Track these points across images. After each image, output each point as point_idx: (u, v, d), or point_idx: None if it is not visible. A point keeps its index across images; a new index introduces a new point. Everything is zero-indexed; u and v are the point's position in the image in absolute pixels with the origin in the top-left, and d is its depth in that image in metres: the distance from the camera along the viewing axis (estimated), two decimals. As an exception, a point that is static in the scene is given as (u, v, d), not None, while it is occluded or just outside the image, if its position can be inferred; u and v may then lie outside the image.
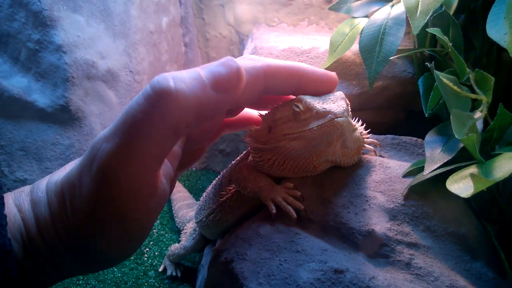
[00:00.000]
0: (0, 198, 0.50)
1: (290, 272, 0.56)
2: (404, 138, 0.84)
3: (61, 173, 0.56)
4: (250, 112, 0.75)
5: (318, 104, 0.65)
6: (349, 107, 0.69)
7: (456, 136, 0.60)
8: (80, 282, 0.91)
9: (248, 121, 0.74)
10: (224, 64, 0.52)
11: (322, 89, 0.66)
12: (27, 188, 0.57)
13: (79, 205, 0.50)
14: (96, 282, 0.91)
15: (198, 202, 0.88)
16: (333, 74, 0.68)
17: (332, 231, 0.63)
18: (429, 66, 0.72)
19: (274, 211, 0.64)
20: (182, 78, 0.49)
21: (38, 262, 0.52)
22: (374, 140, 0.79)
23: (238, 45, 1.36)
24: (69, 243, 0.52)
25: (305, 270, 0.56)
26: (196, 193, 1.30)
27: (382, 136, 0.85)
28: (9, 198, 0.54)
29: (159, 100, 0.47)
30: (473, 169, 0.60)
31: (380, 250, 0.60)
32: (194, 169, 1.53)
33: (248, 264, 0.59)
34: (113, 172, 0.47)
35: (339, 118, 0.62)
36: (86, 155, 0.51)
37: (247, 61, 0.58)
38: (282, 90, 0.64)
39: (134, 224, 0.52)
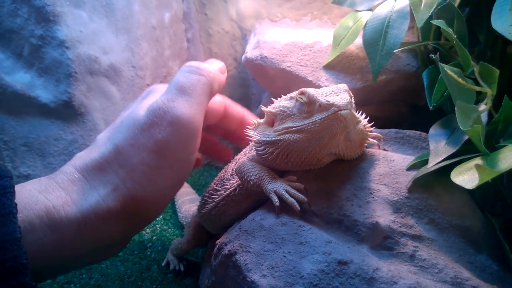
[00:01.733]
0: (10, 187, 0.51)
1: (293, 263, 0.56)
2: (408, 132, 0.84)
3: (88, 155, 0.64)
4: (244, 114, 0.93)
5: (321, 96, 0.65)
6: (353, 100, 0.69)
7: (461, 127, 0.60)
8: (84, 276, 0.91)
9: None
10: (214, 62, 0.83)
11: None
12: (60, 173, 0.62)
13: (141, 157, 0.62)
14: (100, 276, 0.91)
15: (201, 197, 0.88)
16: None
17: (336, 224, 0.63)
18: (433, 57, 0.71)
19: (278, 203, 0.64)
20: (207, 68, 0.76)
21: (67, 232, 0.55)
22: (378, 134, 0.79)
23: (241, 40, 1.36)
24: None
25: (309, 261, 0.56)
26: (198, 189, 1.30)
27: (386, 130, 0.85)
28: (26, 186, 0.57)
29: (203, 72, 0.73)
30: (478, 161, 0.59)
31: (384, 242, 0.60)
32: (196, 165, 1.52)
33: (252, 256, 0.59)
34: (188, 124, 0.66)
35: (342, 111, 0.62)
36: (147, 115, 0.65)
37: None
38: (230, 123, 0.89)
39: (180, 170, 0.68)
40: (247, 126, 0.75)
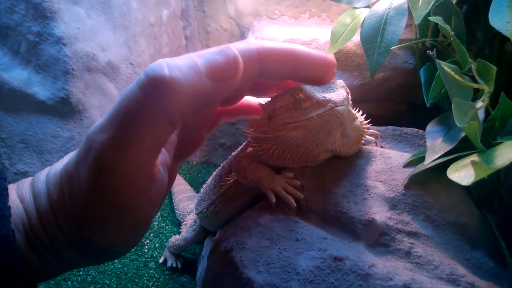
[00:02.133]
0: (4, 189, 0.50)
1: (289, 260, 0.56)
2: (405, 129, 0.84)
3: (59, 165, 0.55)
4: (248, 99, 0.73)
5: (318, 93, 0.64)
6: (350, 96, 0.68)
7: (457, 124, 0.60)
8: (81, 273, 0.91)
9: (247, 108, 0.73)
10: (221, 52, 0.51)
11: (319, 72, 0.64)
12: (28, 180, 0.57)
13: (78, 196, 0.49)
14: (97, 273, 0.91)
15: (198, 194, 0.88)
16: (331, 57, 0.65)
17: (332, 221, 0.63)
18: (430, 54, 0.71)
19: (274, 200, 0.64)
20: (177, 66, 0.47)
21: (41, 252, 0.52)
22: (375, 131, 0.79)
23: (239, 38, 1.36)
24: (71, 234, 0.52)
25: (304, 258, 0.56)
26: (196, 186, 1.30)
27: (383, 127, 0.84)
28: (12, 189, 0.54)
29: (154, 88, 0.45)
30: (474, 158, 0.59)
31: (380, 239, 0.60)
32: (195, 163, 1.53)
33: (248, 252, 0.59)
34: (109, 162, 0.46)
35: (339, 107, 0.62)
36: (82, 146, 0.50)
37: (242, 44, 0.56)
38: (277, 73, 0.61)
39: (134, 213, 0.51)
40: (244, 123, 0.74)
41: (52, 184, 0.53)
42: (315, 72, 0.64)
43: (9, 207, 0.48)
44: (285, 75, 0.62)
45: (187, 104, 0.48)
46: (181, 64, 0.48)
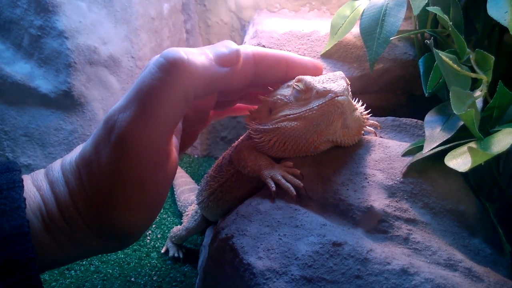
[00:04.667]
0: (20, 181, 0.52)
1: (289, 245, 0.57)
2: (404, 119, 0.84)
3: (73, 154, 0.58)
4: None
5: (318, 83, 0.65)
6: (349, 87, 0.69)
7: (455, 111, 0.60)
8: (84, 262, 0.93)
9: (235, 108, 0.81)
10: (225, 45, 0.61)
11: (309, 74, 0.69)
12: (42, 171, 0.59)
13: (98, 178, 0.53)
14: (100, 263, 0.93)
15: (199, 185, 0.89)
16: (319, 62, 0.73)
17: (331, 208, 0.64)
18: (428, 43, 0.72)
19: (274, 189, 0.65)
20: (191, 52, 0.55)
21: (58, 238, 0.54)
22: (375, 122, 0.80)
23: (240, 32, 1.36)
24: (89, 218, 0.54)
25: (304, 243, 0.56)
26: (198, 179, 1.31)
27: (383, 118, 0.85)
28: (28, 179, 0.56)
29: (173, 68, 0.52)
30: (471, 145, 0.60)
31: (378, 225, 0.61)
32: (196, 156, 1.53)
33: (248, 239, 0.60)
34: (133, 138, 0.51)
35: (339, 97, 0.63)
36: (101, 129, 0.53)
37: (239, 47, 0.64)
38: (271, 76, 0.69)
39: (152, 191, 0.55)
40: (244, 115, 0.75)
41: (69, 171, 0.56)
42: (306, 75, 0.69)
43: (24, 199, 0.50)
44: (278, 78, 0.70)
45: (200, 84, 0.56)
46: (193, 51, 0.55)
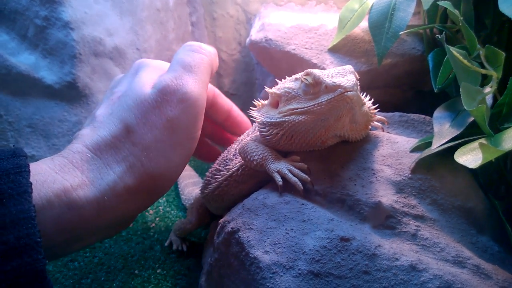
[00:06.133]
0: (26, 166, 0.51)
1: (296, 240, 0.56)
2: (412, 115, 0.84)
3: (96, 133, 0.64)
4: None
5: (327, 78, 0.64)
6: (358, 82, 0.68)
7: (465, 107, 0.60)
8: (88, 254, 0.92)
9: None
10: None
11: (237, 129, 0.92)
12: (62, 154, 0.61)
13: (151, 139, 0.64)
14: (103, 255, 0.92)
15: (204, 178, 0.88)
16: (248, 122, 0.93)
17: (339, 203, 0.64)
18: (439, 38, 0.71)
19: (281, 183, 0.64)
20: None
21: (84, 211, 0.56)
22: (382, 117, 0.79)
23: (245, 24, 1.35)
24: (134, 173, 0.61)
25: (311, 238, 0.56)
26: (201, 173, 1.30)
27: (390, 114, 0.85)
28: (41, 165, 0.57)
29: (204, 51, 0.74)
30: (482, 142, 0.59)
31: (386, 221, 0.60)
32: (200, 149, 1.53)
33: (255, 233, 0.60)
34: (195, 95, 0.68)
35: (349, 92, 0.62)
36: (151, 98, 0.66)
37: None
38: (215, 115, 0.89)
39: (194, 145, 0.70)
40: (251, 108, 0.75)
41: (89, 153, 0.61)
42: (236, 128, 0.93)
43: (31, 183, 0.50)
44: (219, 119, 0.91)
45: (215, 65, 0.78)
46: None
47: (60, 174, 0.56)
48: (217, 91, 0.89)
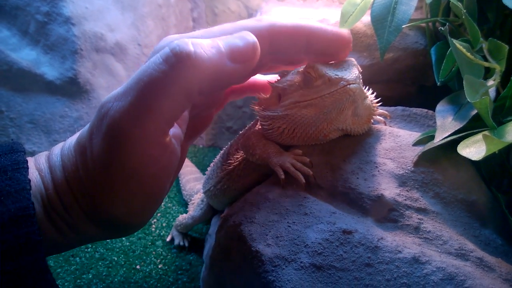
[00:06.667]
0: (24, 162, 0.51)
1: (298, 233, 0.56)
2: (414, 109, 0.83)
3: (73, 138, 0.57)
4: (255, 78, 0.74)
5: (330, 71, 0.64)
6: (360, 75, 0.68)
7: (468, 100, 0.59)
8: (89, 250, 0.93)
9: (253, 87, 0.74)
10: (241, 37, 0.54)
11: (333, 48, 0.64)
12: (44, 153, 0.58)
13: (92, 167, 0.50)
14: (105, 250, 0.92)
15: (206, 173, 0.88)
16: (346, 32, 0.65)
17: (341, 196, 0.63)
18: (442, 30, 0.71)
19: (283, 176, 0.64)
20: (201, 44, 0.50)
21: (58, 224, 0.52)
22: (384, 111, 0.79)
23: (247, 21, 1.35)
24: (86, 206, 0.52)
25: (313, 231, 0.56)
26: (203, 169, 1.30)
27: (392, 108, 0.84)
28: (31, 161, 0.55)
29: (178, 63, 0.48)
30: (485, 133, 0.59)
31: (389, 215, 0.60)
32: (201, 146, 1.53)
33: (256, 226, 0.59)
34: (125, 129, 0.48)
35: (351, 85, 0.61)
36: (95, 116, 0.51)
37: (252, 22, 0.58)
38: (289, 50, 0.63)
39: (149, 182, 0.52)
40: (252, 102, 0.74)
41: (66, 156, 0.54)
42: (329, 48, 0.64)
43: (29, 180, 0.49)
44: (298, 51, 0.63)
45: (206, 81, 0.51)
46: (204, 44, 0.50)
47: (39, 173, 0.54)
48: (274, 27, 0.59)
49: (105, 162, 0.49)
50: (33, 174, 0.53)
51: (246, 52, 0.53)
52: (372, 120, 0.73)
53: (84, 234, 0.56)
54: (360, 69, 0.68)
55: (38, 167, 0.55)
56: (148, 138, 0.49)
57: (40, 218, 0.51)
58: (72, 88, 1.12)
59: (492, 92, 0.69)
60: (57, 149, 0.57)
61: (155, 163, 0.51)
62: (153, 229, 1.01)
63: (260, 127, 0.72)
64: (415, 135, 0.72)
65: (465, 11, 0.73)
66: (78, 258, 0.90)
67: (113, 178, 0.50)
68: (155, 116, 0.48)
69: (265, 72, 0.72)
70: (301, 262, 0.53)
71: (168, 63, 0.48)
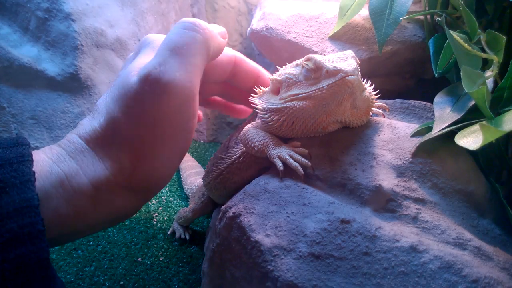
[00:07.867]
0: (29, 156, 0.52)
1: (297, 223, 0.57)
2: (413, 102, 0.84)
3: (90, 124, 0.61)
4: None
5: (328, 62, 0.64)
6: (359, 67, 0.68)
7: (466, 90, 0.60)
8: (91, 243, 0.93)
9: (229, 107, 0.93)
10: (219, 27, 0.74)
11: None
12: (58, 145, 0.60)
13: (131, 134, 0.59)
14: (106, 243, 0.93)
15: (206, 166, 0.89)
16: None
17: (339, 187, 0.64)
18: (439, 20, 0.71)
19: (282, 168, 0.65)
20: (209, 25, 0.69)
21: (81, 203, 0.56)
22: (383, 104, 0.79)
23: (247, 16, 1.35)
24: (130, 166, 0.59)
25: (312, 221, 0.56)
26: (204, 164, 1.31)
27: (391, 101, 0.84)
28: (40, 154, 0.56)
29: (200, 28, 0.65)
30: (482, 123, 0.59)
31: (387, 205, 0.61)
32: (202, 141, 1.53)
33: (256, 217, 0.60)
34: (179, 84, 0.60)
35: (350, 77, 0.62)
36: (134, 87, 0.59)
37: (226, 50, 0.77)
38: (242, 81, 0.82)
39: (188, 136, 0.64)
40: (252, 94, 0.75)
41: (90, 134, 0.60)
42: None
43: (34, 172, 0.50)
44: (247, 85, 0.82)
45: (214, 45, 0.68)
46: (210, 25, 0.69)
47: (57, 164, 0.55)
48: (240, 56, 0.80)
49: (157, 120, 0.59)
50: (47, 164, 0.55)
51: (225, 32, 0.74)
52: (370, 113, 0.74)
53: (105, 209, 0.59)
54: (358, 61, 0.68)
55: (52, 157, 0.57)
56: (194, 90, 0.63)
57: (59, 204, 0.53)
58: (73, 84, 1.13)
59: (490, 83, 0.69)
60: (72, 137, 0.61)
61: (194, 117, 0.64)
62: (155, 222, 1.02)
63: (259, 119, 0.73)
64: (414, 127, 0.72)
65: (462, 2, 0.73)
66: (80, 251, 0.91)
67: (161, 135, 0.60)
68: (197, 70, 0.63)
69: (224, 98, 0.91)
70: (299, 252, 0.54)
71: (193, 29, 0.64)
